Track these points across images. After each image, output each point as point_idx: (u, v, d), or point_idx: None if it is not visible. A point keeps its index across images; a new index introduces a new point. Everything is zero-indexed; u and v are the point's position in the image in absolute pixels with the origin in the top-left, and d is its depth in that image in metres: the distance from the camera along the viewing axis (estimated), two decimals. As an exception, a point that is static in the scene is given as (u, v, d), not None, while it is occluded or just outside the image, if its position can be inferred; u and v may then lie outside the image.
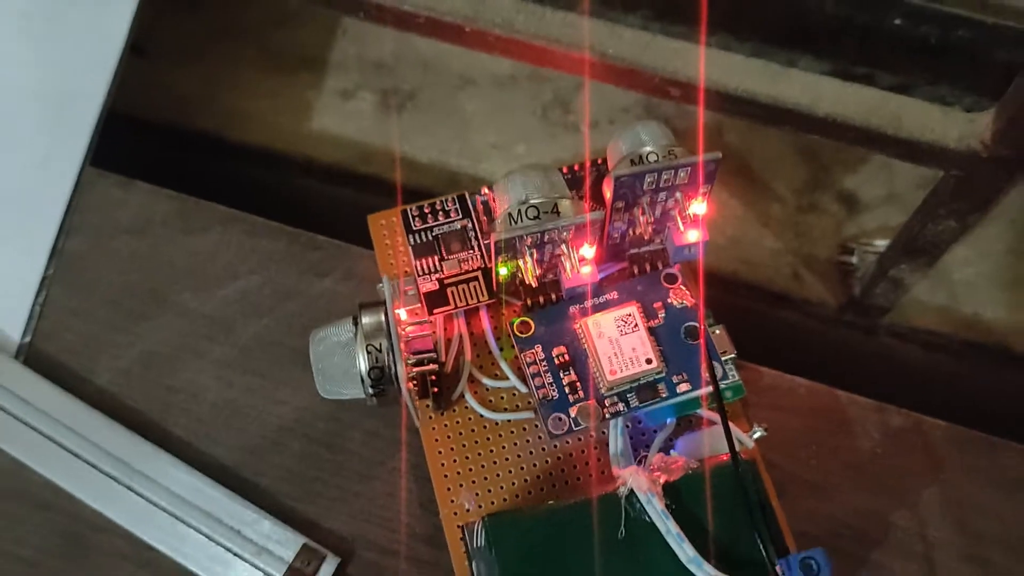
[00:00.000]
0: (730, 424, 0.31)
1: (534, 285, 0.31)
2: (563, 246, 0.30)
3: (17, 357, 0.34)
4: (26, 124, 0.38)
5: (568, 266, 0.31)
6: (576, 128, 0.47)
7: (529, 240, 0.29)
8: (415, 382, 0.28)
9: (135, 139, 0.45)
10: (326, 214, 0.45)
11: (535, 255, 0.30)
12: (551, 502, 0.29)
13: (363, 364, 0.28)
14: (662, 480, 0.28)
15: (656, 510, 0.27)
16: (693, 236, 0.32)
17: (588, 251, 0.31)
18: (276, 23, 0.49)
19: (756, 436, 0.32)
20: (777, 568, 0.27)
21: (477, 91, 0.48)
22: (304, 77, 0.48)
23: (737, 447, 0.31)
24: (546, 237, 0.30)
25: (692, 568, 0.27)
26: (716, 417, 0.32)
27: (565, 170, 0.33)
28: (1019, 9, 0.43)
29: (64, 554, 0.32)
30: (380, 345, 0.28)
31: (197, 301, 0.35)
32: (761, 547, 0.27)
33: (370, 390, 0.28)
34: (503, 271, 0.31)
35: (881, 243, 0.43)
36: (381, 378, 0.28)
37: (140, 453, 0.32)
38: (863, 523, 0.32)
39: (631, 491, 0.28)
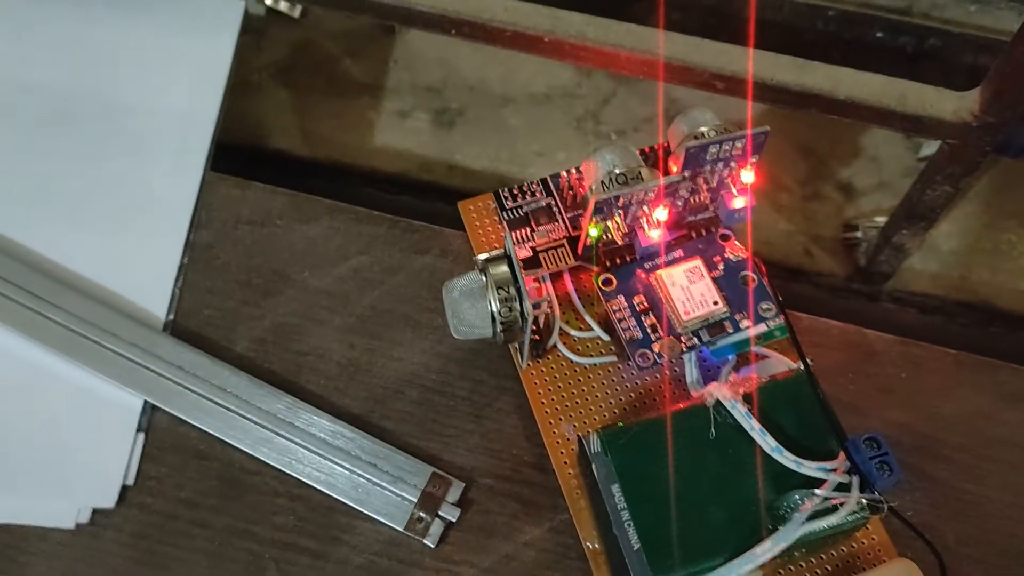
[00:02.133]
0: (779, 355, 0.38)
1: (620, 243, 0.38)
2: (644, 207, 0.37)
3: (164, 331, 0.40)
4: (156, 139, 0.43)
5: (646, 227, 0.38)
6: (607, 136, 0.54)
7: (621, 200, 0.36)
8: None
9: (221, 157, 0.51)
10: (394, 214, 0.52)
11: (622, 216, 0.37)
12: (645, 419, 0.35)
13: (495, 305, 0.34)
14: (741, 391, 0.34)
15: (740, 412, 0.34)
16: (742, 201, 0.39)
17: (662, 213, 0.37)
18: (337, 58, 0.56)
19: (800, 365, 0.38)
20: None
21: (517, 108, 0.55)
22: (365, 100, 0.55)
23: (787, 370, 0.37)
24: (633, 199, 0.36)
25: (775, 456, 0.33)
26: (769, 352, 0.38)
27: (638, 151, 0.40)
28: (978, 23, 0.52)
29: (221, 494, 0.37)
30: (509, 290, 0.34)
31: (316, 279, 0.41)
32: (830, 433, 0.33)
33: (499, 327, 0.34)
34: (593, 232, 0.37)
35: (881, 219, 0.50)
36: (509, 316, 0.34)
37: (282, 405, 0.38)
38: (897, 433, 0.38)
39: (717, 400, 0.34)
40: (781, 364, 0.38)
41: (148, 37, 0.46)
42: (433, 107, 0.55)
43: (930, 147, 0.52)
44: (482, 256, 0.35)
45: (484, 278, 0.35)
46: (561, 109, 0.55)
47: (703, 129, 0.37)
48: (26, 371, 0.38)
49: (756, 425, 0.33)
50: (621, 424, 0.35)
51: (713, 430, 0.34)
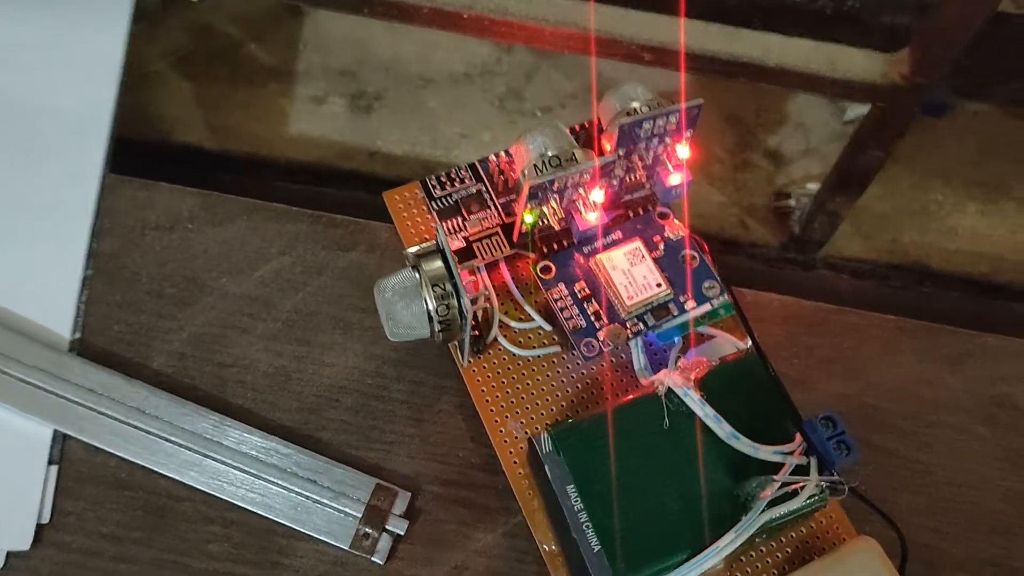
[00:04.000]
0: (726, 333, 0.37)
1: (557, 228, 0.36)
2: (580, 190, 0.35)
3: (70, 352, 0.36)
4: (47, 141, 0.40)
5: (582, 210, 0.36)
6: (532, 114, 0.52)
7: (556, 185, 0.34)
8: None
9: (122, 157, 0.47)
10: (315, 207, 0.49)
11: (558, 200, 0.35)
12: (595, 412, 0.34)
13: (432, 304, 0.32)
14: (693, 376, 0.33)
15: (693, 399, 0.32)
16: (678, 178, 0.37)
17: (598, 195, 0.36)
18: (240, 43, 0.52)
19: (748, 343, 0.37)
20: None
21: (437, 88, 0.53)
22: (274, 87, 0.52)
23: (735, 350, 0.36)
24: (568, 182, 0.34)
25: (730, 442, 0.32)
26: (715, 332, 0.37)
27: (568, 130, 0.38)
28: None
29: (147, 525, 0.34)
30: (445, 286, 0.32)
31: (235, 284, 0.38)
32: (785, 415, 0.32)
33: (438, 327, 0.32)
34: (528, 219, 0.36)
35: (812, 186, 0.49)
36: (447, 315, 0.32)
37: (208, 423, 0.35)
38: (842, 405, 0.38)
39: (668, 389, 0.33)
40: (728, 344, 0.37)
41: (31, 29, 0.42)
42: (348, 91, 0.52)
43: (856, 110, 0.52)
44: (412, 250, 0.33)
45: (417, 275, 0.33)
46: (482, 88, 0.53)
47: (635, 104, 0.36)
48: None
49: (711, 412, 0.32)
50: (571, 420, 0.33)
51: (667, 419, 0.33)
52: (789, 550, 0.34)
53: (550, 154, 0.34)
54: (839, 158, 0.43)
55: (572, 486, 0.32)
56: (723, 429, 0.32)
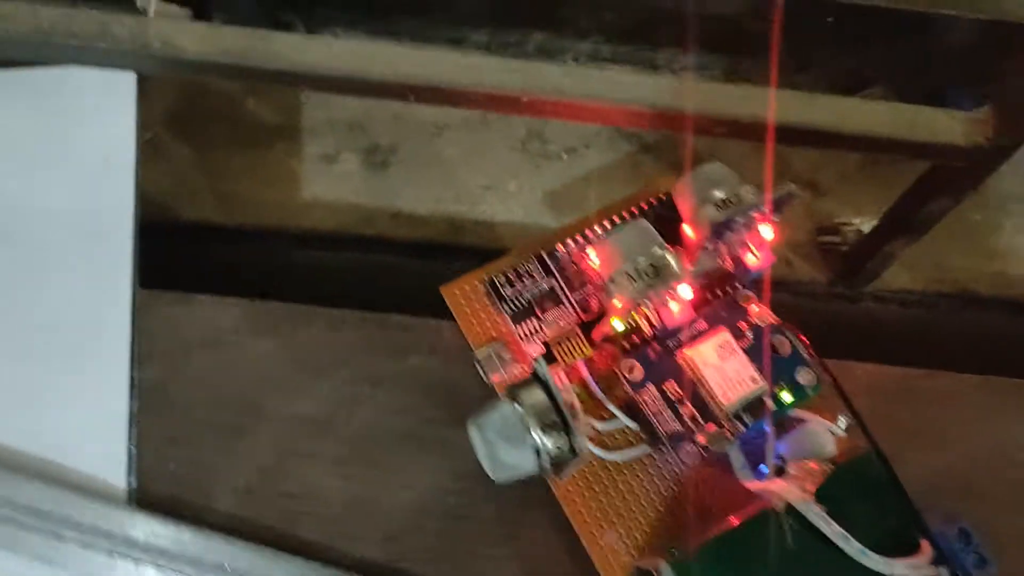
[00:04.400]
0: (819, 417, 0.36)
1: (649, 332, 0.34)
2: (672, 291, 0.33)
3: (128, 503, 0.33)
4: (65, 257, 0.36)
5: (670, 306, 0.34)
6: (558, 156, 0.49)
7: (656, 298, 0.32)
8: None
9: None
10: (336, 283, 0.46)
11: (649, 304, 0.33)
12: (715, 534, 0.32)
13: (542, 442, 0.30)
14: (810, 488, 0.32)
15: (816, 516, 0.31)
16: (763, 260, 0.35)
17: (687, 292, 0.34)
18: (237, 99, 0.48)
19: (844, 425, 0.36)
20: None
21: (453, 135, 0.49)
22: (281, 147, 0.48)
23: (832, 438, 0.35)
24: (664, 289, 0.32)
25: (862, 560, 0.31)
26: (806, 415, 0.36)
27: (635, 211, 0.36)
28: None
29: None
30: (553, 422, 0.30)
31: (292, 404, 0.35)
32: (910, 522, 0.31)
33: (549, 466, 0.30)
34: (619, 327, 0.33)
35: (858, 220, 0.48)
36: (560, 455, 0.30)
37: (291, 571, 0.33)
38: (935, 480, 0.37)
39: (788, 505, 0.31)
40: (820, 427, 0.35)
41: (26, 123, 0.38)
42: (360, 146, 0.48)
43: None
44: (509, 384, 0.31)
45: (518, 408, 0.30)
46: (500, 131, 0.50)
47: (719, 195, 0.33)
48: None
49: (837, 529, 0.31)
50: (689, 551, 0.31)
51: (789, 538, 0.31)
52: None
53: (642, 262, 0.32)
54: (898, 203, 0.42)
55: (700, 621, 0.30)
56: (852, 547, 0.31)
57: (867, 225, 0.48)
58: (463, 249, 0.47)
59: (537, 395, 0.30)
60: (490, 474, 0.31)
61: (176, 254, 0.40)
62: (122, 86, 0.38)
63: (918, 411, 0.38)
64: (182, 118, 0.47)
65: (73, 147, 0.37)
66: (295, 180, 0.47)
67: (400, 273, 0.47)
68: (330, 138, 0.48)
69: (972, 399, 0.38)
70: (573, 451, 0.30)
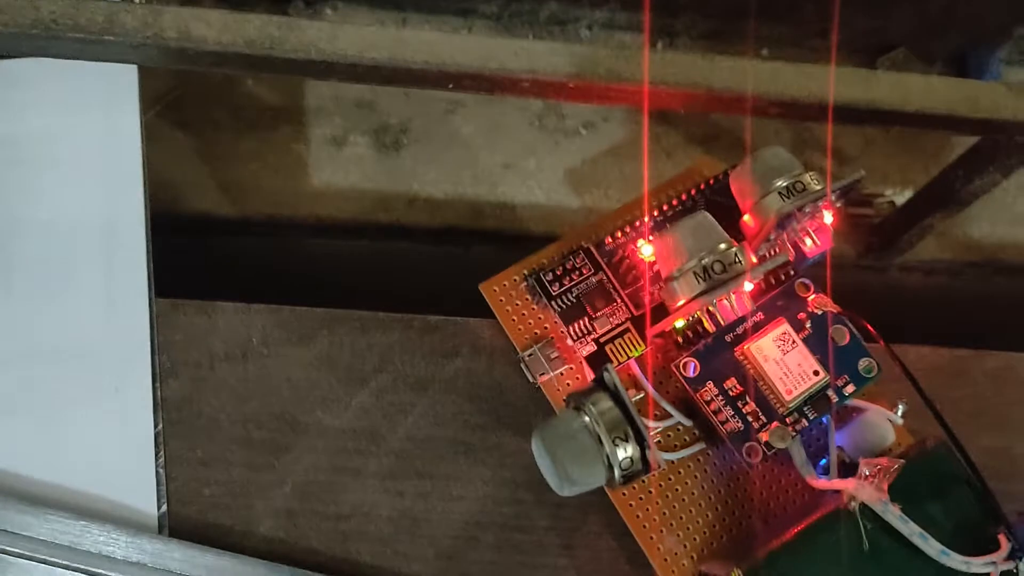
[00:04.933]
0: (876, 405, 0.34)
1: (711, 329, 0.32)
2: (737, 288, 0.31)
3: (161, 532, 0.31)
4: (76, 268, 0.33)
5: (730, 300, 0.32)
6: (576, 132, 0.47)
7: (723, 294, 0.30)
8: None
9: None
10: (355, 274, 0.44)
11: (715, 302, 0.31)
12: (787, 538, 0.31)
13: (618, 456, 0.28)
14: (885, 486, 0.31)
15: (894, 516, 0.30)
16: (821, 245, 0.34)
17: (748, 286, 0.32)
18: (236, 78, 0.45)
19: (902, 412, 0.34)
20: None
21: (468, 112, 0.47)
22: (285, 130, 0.45)
23: (891, 427, 0.34)
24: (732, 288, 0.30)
25: (942, 560, 0.30)
26: (865, 405, 0.35)
27: (684, 198, 0.34)
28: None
29: None
30: (626, 433, 0.28)
31: (332, 416, 0.33)
32: (989, 516, 0.30)
33: (619, 479, 0.28)
34: (680, 324, 0.32)
35: (889, 191, 0.46)
36: (632, 468, 0.28)
37: (343, 593, 0.31)
38: (994, 460, 0.36)
39: (862, 504, 0.30)
40: (880, 417, 0.34)
41: (23, 131, 0.34)
42: (370, 126, 0.46)
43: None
44: (574, 393, 0.29)
45: (587, 420, 0.29)
46: (516, 105, 0.47)
47: (782, 183, 0.32)
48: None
49: (915, 528, 0.30)
50: (760, 557, 0.30)
51: (865, 540, 0.30)
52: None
53: (708, 259, 0.30)
54: (942, 175, 0.40)
55: (781, 631, 0.29)
56: (932, 547, 0.30)
57: (899, 196, 0.47)
58: (485, 234, 0.45)
59: (605, 404, 0.28)
60: (557, 490, 0.29)
61: (180, 252, 0.38)
62: (124, 80, 0.35)
63: (974, 393, 0.37)
64: (176, 100, 0.44)
65: (73, 148, 0.34)
66: (303, 166, 0.45)
67: (420, 260, 0.45)
68: (337, 118, 0.46)
69: (1022, 376, 0.38)
70: (646, 463, 0.28)
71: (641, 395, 0.32)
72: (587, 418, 0.29)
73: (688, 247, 0.30)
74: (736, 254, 0.30)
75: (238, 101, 0.45)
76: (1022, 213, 0.49)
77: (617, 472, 0.28)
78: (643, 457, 0.28)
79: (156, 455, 0.32)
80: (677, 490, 0.33)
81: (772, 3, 0.47)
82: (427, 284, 0.41)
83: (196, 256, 0.41)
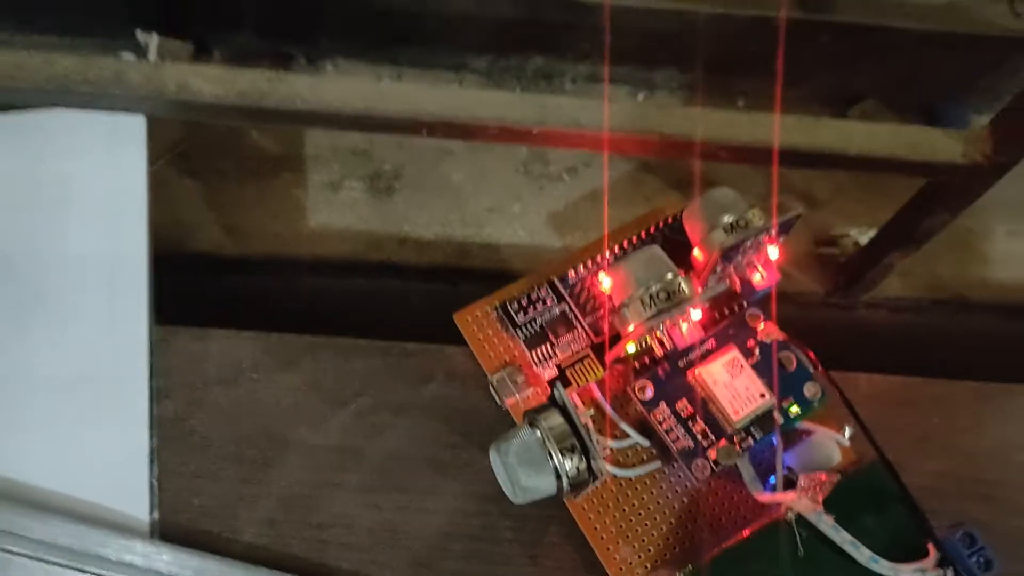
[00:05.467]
0: (824, 428, 0.37)
1: (660, 354, 0.35)
2: (683, 314, 0.34)
3: (152, 537, 0.34)
4: (82, 298, 0.36)
5: (681, 328, 0.35)
6: (559, 177, 0.50)
7: (668, 320, 0.33)
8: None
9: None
10: (346, 309, 0.47)
11: (664, 327, 0.34)
12: (728, 545, 0.33)
13: (565, 465, 0.30)
14: (820, 498, 0.33)
15: (827, 525, 0.32)
16: (768, 279, 0.37)
17: (697, 314, 0.35)
18: (240, 131, 0.49)
19: (849, 435, 0.37)
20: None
21: (456, 160, 0.50)
22: (286, 177, 0.48)
23: (837, 449, 0.36)
24: (677, 314, 0.33)
25: (872, 567, 0.32)
26: (812, 427, 0.37)
27: (644, 235, 0.37)
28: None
29: None
30: (572, 445, 0.30)
31: (316, 435, 0.36)
32: (916, 528, 0.32)
33: (567, 487, 0.31)
34: (631, 349, 0.34)
35: (854, 231, 0.49)
36: (579, 477, 0.31)
37: (319, 597, 0.33)
38: (939, 484, 0.38)
39: (798, 515, 0.32)
40: (827, 438, 0.37)
41: (39, 167, 0.38)
42: (364, 172, 0.49)
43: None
44: (525, 411, 0.32)
45: (538, 434, 0.31)
46: (502, 154, 0.51)
47: (728, 219, 0.34)
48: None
49: (847, 537, 0.32)
50: (702, 563, 0.32)
51: (800, 548, 0.32)
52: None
53: (655, 288, 0.33)
54: (898, 215, 0.43)
55: (721, 635, 0.31)
56: (862, 554, 0.32)
57: (863, 236, 0.49)
58: (470, 272, 0.48)
59: (555, 419, 0.31)
60: (511, 497, 0.32)
61: (186, 286, 0.41)
62: (132, 128, 0.39)
63: (919, 419, 0.39)
64: (184, 151, 0.48)
65: (86, 190, 0.38)
66: (301, 209, 0.48)
67: (409, 297, 0.48)
68: (335, 165, 0.49)
69: (970, 405, 0.40)
70: (592, 472, 0.31)
71: (592, 412, 0.34)
72: (539, 432, 0.31)
73: (637, 277, 0.33)
74: (681, 283, 0.33)
75: (242, 152, 0.49)
76: (987, 253, 0.51)
77: (565, 480, 0.31)
78: (589, 467, 0.31)
79: (150, 468, 0.35)
80: (634, 504, 0.36)
81: (746, 57, 0.50)
82: (415, 319, 0.44)
83: (201, 291, 0.45)
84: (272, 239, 0.47)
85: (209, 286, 0.46)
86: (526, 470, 0.31)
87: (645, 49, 0.48)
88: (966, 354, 0.48)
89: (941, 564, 0.32)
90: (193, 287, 0.44)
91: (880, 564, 0.32)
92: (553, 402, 0.32)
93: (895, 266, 0.46)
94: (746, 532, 0.33)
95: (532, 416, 0.31)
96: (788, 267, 0.50)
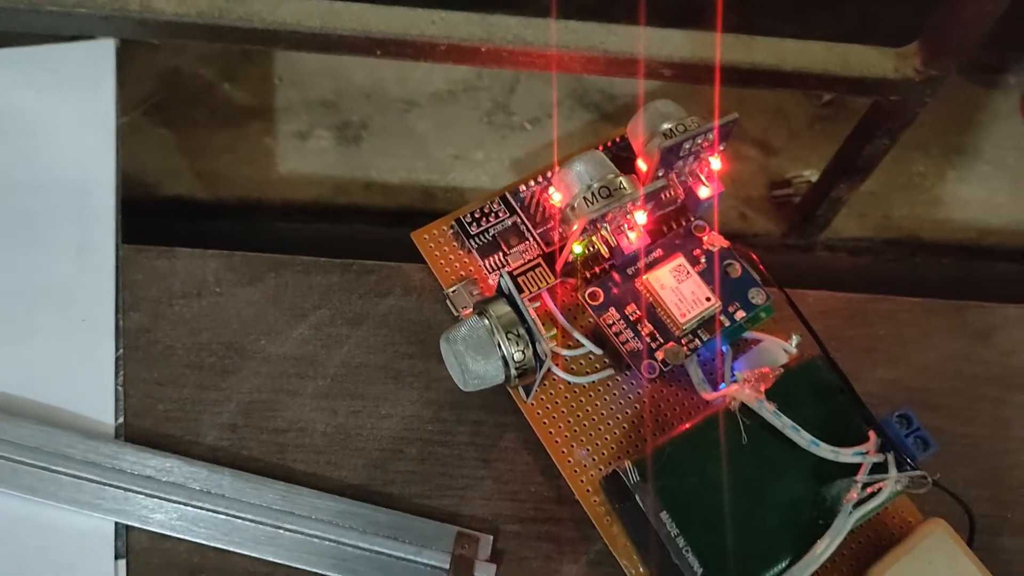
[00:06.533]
0: (773, 337, 0.38)
1: (607, 255, 0.36)
2: (628, 216, 0.35)
3: (117, 439, 0.35)
4: (52, 219, 0.38)
5: (627, 233, 0.36)
6: (521, 127, 0.52)
7: (609, 215, 0.34)
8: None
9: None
10: (315, 250, 0.48)
11: (608, 228, 0.35)
12: (674, 434, 0.34)
13: (508, 351, 0.32)
14: (762, 388, 0.34)
15: (769, 412, 0.33)
16: (711, 190, 0.38)
17: (642, 217, 0.36)
18: (213, 84, 0.50)
19: (796, 343, 0.38)
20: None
21: (422, 111, 0.52)
22: (257, 127, 0.50)
23: (785, 355, 0.37)
24: (617, 211, 0.34)
25: (811, 449, 0.33)
26: (761, 336, 0.38)
27: (600, 148, 0.38)
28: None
29: (229, 606, 0.33)
30: (519, 331, 0.31)
31: (275, 345, 0.37)
32: (857, 416, 0.33)
33: (514, 374, 0.32)
34: (578, 249, 0.35)
35: (808, 173, 0.50)
36: (523, 361, 0.32)
37: (275, 494, 0.34)
38: (888, 392, 0.39)
39: (741, 404, 0.33)
40: (775, 346, 0.38)
41: (11, 98, 0.40)
42: (333, 123, 0.51)
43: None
44: (478, 299, 0.33)
45: (486, 322, 0.32)
46: (467, 105, 0.52)
47: (667, 125, 0.36)
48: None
49: (788, 422, 0.33)
50: (651, 451, 0.33)
51: (744, 435, 0.33)
52: (861, 540, 0.35)
53: (596, 185, 0.34)
54: (842, 146, 0.44)
55: (665, 512, 0.32)
56: (803, 438, 0.33)
57: (815, 177, 0.50)
58: (434, 214, 0.49)
59: (503, 308, 0.32)
60: (460, 385, 0.33)
61: (159, 233, 0.42)
62: (102, 54, 0.40)
63: (868, 332, 0.40)
64: (159, 103, 0.50)
65: (59, 117, 0.39)
66: (271, 156, 0.49)
67: (375, 239, 0.49)
68: (303, 116, 0.51)
69: (914, 319, 0.41)
70: (537, 357, 0.32)
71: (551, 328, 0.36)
72: (486, 320, 0.32)
73: (580, 177, 0.34)
74: (622, 181, 0.34)
75: (214, 103, 0.50)
76: (937, 196, 0.53)
77: (512, 365, 0.32)
78: (535, 352, 0.32)
79: (116, 375, 0.36)
80: (587, 410, 0.37)
81: None
82: (382, 258, 0.46)
83: (174, 236, 0.46)
84: (243, 183, 0.49)
85: (182, 231, 0.48)
86: (474, 356, 0.32)
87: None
88: (919, 286, 0.50)
89: (882, 449, 0.33)
90: (167, 233, 0.45)
91: (820, 448, 0.33)
92: (500, 293, 0.33)
93: (844, 200, 0.47)
94: (689, 424, 0.34)
95: (480, 307, 0.33)
96: (745, 210, 0.51)
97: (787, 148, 0.53)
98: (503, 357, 0.32)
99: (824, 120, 0.54)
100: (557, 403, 0.37)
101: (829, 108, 0.54)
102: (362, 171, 0.50)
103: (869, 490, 0.32)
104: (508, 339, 0.32)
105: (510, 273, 0.35)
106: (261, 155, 0.49)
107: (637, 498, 0.32)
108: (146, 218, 0.45)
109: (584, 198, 0.34)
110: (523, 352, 0.32)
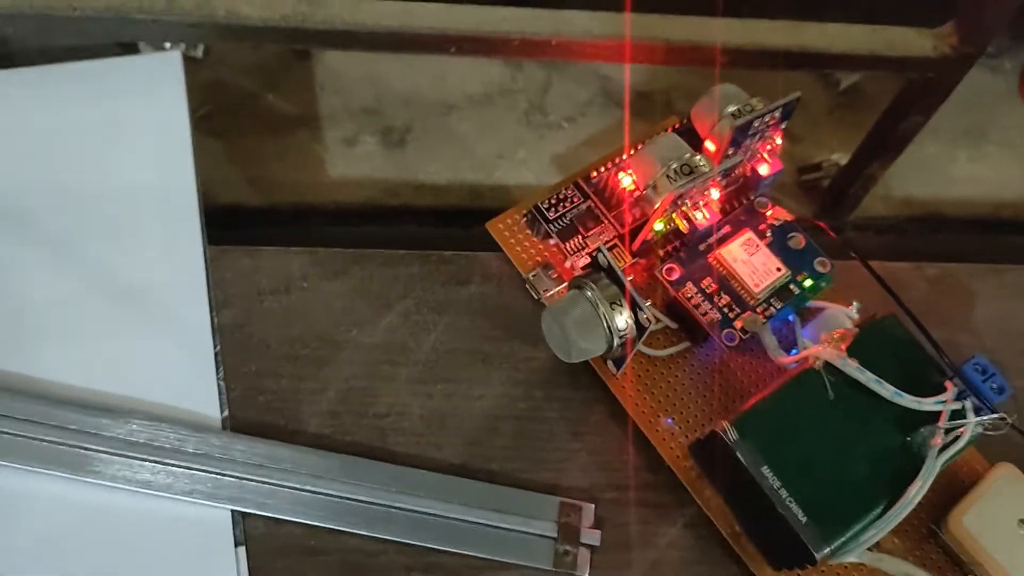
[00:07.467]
0: (836, 304, 0.40)
1: (685, 231, 0.38)
2: (704, 192, 0.37)
3: (226, 430, 0.36)
4: (140, 222, 0.39)
5: (702, 210, 0.38)
6: (558, 126, 0.54)
7: (693, 191, 0.36)
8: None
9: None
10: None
11: (688, 205, 0.37)
12: (765, 394, 0.36)
13: (615, 322, 0.33)
14: (843, 346, 0.36)
15: (852, 368, 0.35)
16: (769, 168, 0.40)
17: (715, 194, 0.38)
18: (257, 94, 0.51)
19: (857, 309, 0.40)
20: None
21: (462, 114, 0.53)
22: (303, 134, 0.51)
23: (848, 321, 0.39)
24: (696, 188, 0.36)
25: (895, 400, 0.35)
26: (825, 304, 0.40)
27: (668, 131, 0.40)
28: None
29: (347, 585, 0.34)
30: (621, 302, 0.33)
31: (366, 334, 0.38)
32: (934, 366, 0.35)
33: (617, 342, 0.34)
34: (659, 227, 0.37)
35: (836, 156, 0.53)
36: (625, 331, 0.33)
37: (385, 475, 0.35)
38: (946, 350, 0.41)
39: (825, 362, 0.35)
40: (839, 313, 0.40)
41: (90, 111, 0.40)
42: (377, 128, 0.52)
43: (850, 79, 0.56)
44: (573, 279, 0.34)
45: (588, 293, 0.34)
46: (504, 106, 0.54)
47: (733, 107, 0.38)
48: (90, 516, 0.33)
49: (871, 376, 0.35)
50: (746, 410, 0.35)
51: (830, 391, 0.35)
52: (935, 488, 0.37)
53: (676, 164, 0.36)
54: (876, 124, 0.47)
55: (766, 467, 0.34)
56: (886, 390, 0.35)
57: (844, 159, 0.53)
58: (483, 212, 0.51)
59: (603, 281, 0.34)
60: (563, 358, 0.34)
61: (221, 236, 0.43)
62: (170, 65, 0.41)
63: (915, 296, 0.42)
64: (207, 114, 0.51)
65: (136, 127, 0.40)
66: (320, 162, 0.51)
67: (427, 238, 0.50)
68: (348, 123, 0.52)
69: (959, 284, 0.43)
70: (639, 325, 0.33)
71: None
72: (589, 293, 0.34)
73: (660, 158, 0.36)
74: (700, 159, 0.36)
75: (260, 113, 0.51)
76: (951, 175, 0.56)
77: (616, 335, 0.33)
78: (637, 321, 0.33)
79: (216, 370, 0.37)
80: (669, 381, 0.39)
81: None
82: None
83: (236, 242, 0.47)
84: (295, 189, 0.50)
85: (236, 239, 0.49)
86: (578, 329, 0.33)
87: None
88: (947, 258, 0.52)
89: (959, 397, 0.35)
90: (229, 240, 0.46)
91: (904, 398, 0.35)
92: (596, 268, 0.34)
93: (876, 178, 0.49)
94: (777, 384, 0.36)
95: (580, 282, 0.34)
96: (776, 194, 0.54)
97: (809, 135, 0.55)
98: (607, 328, 0.33)
99: (843, 108, 0.56)
100: (639, 376, 0.38)
101: (846, 96, 0.57)
102: (410, 173, 0.51)
103: (952, 435, 0.34)
104: (613, 309, 0.33)
105: (607, 248, 0.36)
106: (311, 161, 0.50)
107: (738, 455, 0.34)
108: (209, 227, 0.46)
109: (667, 176, 0.36)
110: (626, 321, 0.33)
